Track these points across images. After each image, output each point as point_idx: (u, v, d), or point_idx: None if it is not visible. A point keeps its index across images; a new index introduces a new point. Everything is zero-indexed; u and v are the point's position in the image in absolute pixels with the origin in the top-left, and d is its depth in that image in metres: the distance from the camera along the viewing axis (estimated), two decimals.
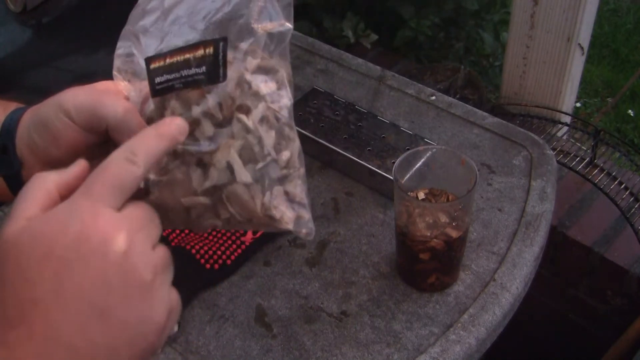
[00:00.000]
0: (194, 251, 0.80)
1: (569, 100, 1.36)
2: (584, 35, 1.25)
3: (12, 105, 0.50)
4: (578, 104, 2.17)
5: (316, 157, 0.95)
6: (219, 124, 0.44)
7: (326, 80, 1.09)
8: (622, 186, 1.18)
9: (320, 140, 0.93)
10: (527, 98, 1.37)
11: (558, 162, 1.03)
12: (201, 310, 0.79)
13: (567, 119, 1.36)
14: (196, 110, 0.44)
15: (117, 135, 0.45)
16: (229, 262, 0.81)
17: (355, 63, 1.13)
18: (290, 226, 0.45)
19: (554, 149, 1.24)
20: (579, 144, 1.30)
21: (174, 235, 0.83)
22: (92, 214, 0.36)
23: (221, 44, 0.44)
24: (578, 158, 1.24)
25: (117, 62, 0.48)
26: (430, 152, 0.76)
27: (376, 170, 0.88)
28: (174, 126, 0.42)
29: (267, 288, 0.81)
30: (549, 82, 1.32)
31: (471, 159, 0.73)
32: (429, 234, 0.73)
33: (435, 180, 0.77)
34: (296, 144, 0.46)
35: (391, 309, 0.77)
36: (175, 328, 0.73)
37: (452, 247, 0.74)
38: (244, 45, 0.45)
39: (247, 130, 0.44)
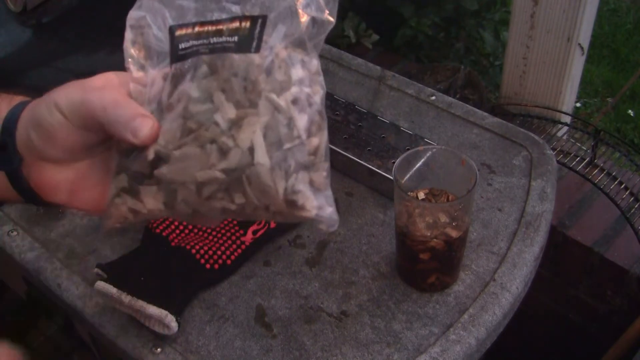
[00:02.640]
0: (194, 251, 0.80)
1: (569, 100, 1.36)
2: (584, 35, 1.25)
3: (16, 100, 0.48)
4: (578, 104, 2.17)
5: None
6: (242, 107, 0.41)
7: (326, 80, 1.09)
8: (622, 186, 1.18)
9: None
10: (527, 98, 1.37)
11: (558, 162, 1.03)
12: (201, 310, 0.79)
13: (567, 119, 1.36)
14: (219, 97, 0.41)
15: (111, 129, 0.43)
16: (229, 262, 0.81)
17: (355, 63, 1.13)
18: (312, 214, 0.43)
19: (554, 149, 1.24)
20: (579, 144, 1.30)
21: (174, 235, 0.83)
22: None
23: (259, 19, 0.43)
24: (578, 158, 1.24)
25: (130, 34, 0.46)
26: (430, 152, 0.76)
27: (376, 170, 0.88)
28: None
29: (267, 288, 0.81)
30: (549, 82, 1.32)
31: (471, 159, 0.73)
32: (429, 234, 0.73)
33: (435, 180, 0.77)
34: (325, 134, 0.44)
35: (391, 309, 0.77)
36: (175, 328, 0.73)
37: (452, 247, 0.74)
38: (284, 27, 0.43)
39: (276, 109, 0.41)
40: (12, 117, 0.46)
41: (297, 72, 0.43)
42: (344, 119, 0.97)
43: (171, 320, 0.73)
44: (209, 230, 0.84)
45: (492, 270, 0.80)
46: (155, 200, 0.43)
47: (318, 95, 0.44)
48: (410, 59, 1.66)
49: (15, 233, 0.88)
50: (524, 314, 0.85)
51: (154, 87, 0.44)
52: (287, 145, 0.41)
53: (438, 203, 0.76)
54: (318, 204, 0.43)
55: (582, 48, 1.26)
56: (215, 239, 0.83)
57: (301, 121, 0.42)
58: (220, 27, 0.43)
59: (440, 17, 1.66)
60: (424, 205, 0.74)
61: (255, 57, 0.42)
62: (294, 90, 0.42)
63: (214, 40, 0.43)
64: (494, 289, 0.78)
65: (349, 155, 0.91)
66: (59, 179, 0.46)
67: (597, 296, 1.21)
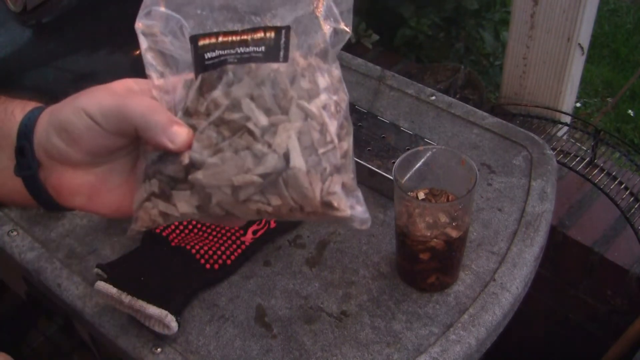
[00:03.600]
0: (194, 251, 0.80)
1: (569, 100, 1.36)
2: (584, 35, 1.25)
3: (31, 105, 0.49)
4: (578, 104, 2.17)
5: None
6: (274, 114, 0.43)
7: None
8: (622, 186, 1.18)
9: None
10: (527, 98, 1.37)
11: (558, 162, 1.03)
12: (201, 310, 0.79)
13: (567, 119, 1.36)
14: (249, 105, 0.43)
15: (146, 135, 0.44)
16: (229, 262, 0.81)
17: (355, 63, 1.13)
18: (347, 213, 0.44)
19: (554, 149, 1.24)
20: (579, 144, 1.30)
21: (174, 235, 0.83)
22: None
23: (284, 30, 0.44)
24: (578, 158, 1.24)
25: (144, 42, 0.47)
26: (430, 152, 0.76)
27: (376, 170, 0.88)
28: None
29: (267, 288, 0.81)
30: (549, 82, 1.32)
31: (471, 159, 0.73)
32: (429, 234, 0.73)
33: (435, 180, 0.77)
34: (351, 138, 0.46)
35: (391, 309, 0.77)
36: (175, 328, 0.73)
37: (452, 247, 0.74)
38: (308, 38, 0.45)
39: (308, 115, 0.43)
40: (29, 122, 0.46)
41: (324, 80, 0.45)
42: None
43: (171, 320, 0.73)
44: (209, 231, 0.84)
45: (492, 270, 0.80)
46: (188, 204, 0.44)
47: (344, 102, 0.46)
48: (410, 59, 1.66)
49: (15, 233, 0.88)
50: (524, 314, 0.85)
51: (177, 95, 0.45)
52: (321, 150, 0.43)
53: (438, 203, 0.76)
54: (350, 204, 0.45)
55: (582, 48, 1.26)
56: (215, 239, 0.83)
57: (332, 126, 0.44)
58: (244, 37, 0.44)
59: (440, 17, 1.66)
60: (424, 205, 0.74)
61: (282, 66, 0.44)
62: (323, 97, 0.44)
63: (241, 50, 0.44)
64: (494, 289, 0.78)
65: None
66: (79, 182, 0.46)
67: (597, 296, 1.21)
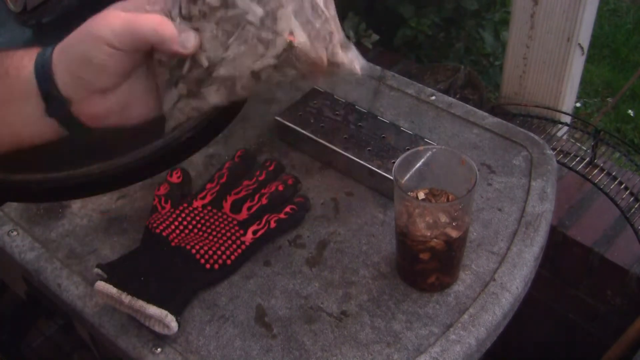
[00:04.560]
0: (194, 251, 0.80)
1: (569, 100, 1.36)
2: (584, 35, 1.25)
3: (34, 51, 0.51)
4: (578, 104, 2.17)
5: (316, 157, 0.95)
6: (267, 3, 0.49)
7: (326, 80, 1.09)
8: (622, 186, 1.18)
9: (320, 140, 0.93)
10: (527, 98, 1.37)
11: (558, 162, 1.03)
12: (201, 310, 0.79)
13: (567, 119, 1.36)
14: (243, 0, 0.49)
15: (162, 47, 0.49)
16: (229, 262, 0.81)
17: None
18: (352, 65, 0.53)
19: (554, 149, 1.24)
20: (579, 144, 1.30)
21: (174, 235, 0.83)
22: None
23: None
24: (578, 158, 1.24)
25: None
26: (430, 152, 0.76)
27: (376, 170, 0.88)
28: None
29: (267, 288, 0.81)
30: (549, 82, 1.32)
31: (471, 159, 0.73)
32: (429, 234, 0.73)
33: (435, 180, 0.77)
34: (333, 3, 0.53)
35: (391, 309, 0.77)
36: (175, 328, 0.73)
37: (452, 247, 0.74)
38: None
39: None
40: (45, 65, 0.49)
41: None
42: (344, 119, 0.97)
43: (171, 320, 0.73)
44: (208, 231, 0.84)
45: (492, 270, 0.80)
46: (217, 95, 0.51)
47: None
48: (410, 59, 1.66)
49: (15, 233, 0.88)
50: (524, 314, 0.85)
51: (168, 2, 0.50)
52: (317, 23, 0.50)
53: (438, 203, 0.76)
54: (350, 57, 0.53)
55: (582, 48, 1.26)
56: (215, 239, 0.83)
57: (319, 1, 0.51)
58: None
59: (440, 17, 1.66)
60: (424, 205, 0.74)
61: None
62: None
63: None
64: (494, 289, 0.78)
65: (349, 155, 0.91)
66: (110, 104, 0.50)
67: (597, 296, 1.21)
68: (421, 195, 0.77)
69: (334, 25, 0.52)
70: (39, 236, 0.88)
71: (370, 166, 0.89)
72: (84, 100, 0.49)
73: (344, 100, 1.00)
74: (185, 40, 0.49)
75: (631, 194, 1.16)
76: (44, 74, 0.49)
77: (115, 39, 0.47)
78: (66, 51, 0.49)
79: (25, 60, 0.50)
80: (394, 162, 0.76)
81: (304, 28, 0.49)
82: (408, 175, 0.76)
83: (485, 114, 1.01)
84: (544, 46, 1.28)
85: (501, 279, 0.79)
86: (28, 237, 0.88)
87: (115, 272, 0.77)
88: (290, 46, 0.49)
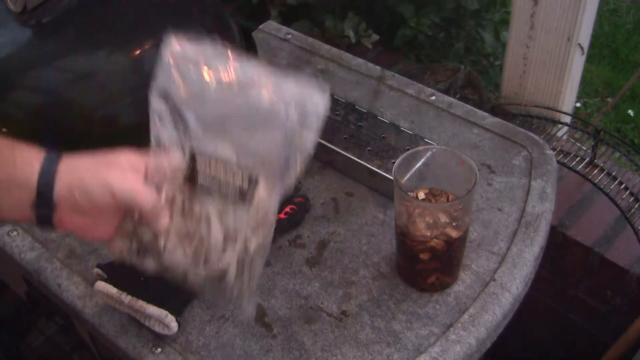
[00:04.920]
0: None
1: (569, 100, 1.36)
2: (584, 35, 1.25)
3: (42, 152, 0.56)
4: (578, 104, 2.17)
5: (316, 157, 0.95)
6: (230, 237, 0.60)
7: (326, 80, 1.09)
8: (622, 186, 1.18)
9: (320, 140, 0.92)
10: (527, 98, 1.37)
11: (558, 162, 1.03)
12: (201, 310, 0.79)
13: (567, 119, 1.36)
14: (216, 224, 0.60)
15: (145, 217, 0.58)
16: None
17: (355, 63, 1.13)
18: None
19: (554, 149, 1.24)
20: (579, 144, 1.30)
21: None
22: None
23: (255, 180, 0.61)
24: (578, 158, 1.24)
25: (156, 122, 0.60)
26: (430, 152, 0.76)
27: (376, 170, 0.88)
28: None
29: (267, 288, 0.81)
30: (549, 82, 1.32)
31: (471, 159, 0.73)
32: (429, 234, 0.73)
33: (435, 180, 0.77)
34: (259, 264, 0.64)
35: (391, 309, 0.77)
36: (175, 328, 0.73)
37: (452, 247, 0.74)
38: (277, 189, 0.62)
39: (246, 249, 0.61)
40: (50, 172, 0.55)
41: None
42: (344, 119, 0.97)
43: (171, 320, 0.72)
44: None
45: (492, 270, 0.80)
46: (151, 266, 0.61)
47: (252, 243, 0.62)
48: (410, 59, 1.66)
49: (15, 233, 0.88)
50: (524, 314, 0.85)
51: (170, 186, 0.59)
52: (246, 273, 0.62)
53: (438, 203, 0.76)
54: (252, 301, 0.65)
55: (582, 48, 1.26)
56: None
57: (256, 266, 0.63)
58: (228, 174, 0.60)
59: (440, 17, 1.66)
60: (424, 205, 0.74)
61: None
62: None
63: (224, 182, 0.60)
64: (494, 289, 0.78)
65: (349, 155, 0.91)
66: (83, 224, 0.58)
67: (597, 296, 1.20)
68: (421, 195, 0.77)
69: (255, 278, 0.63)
70: (39, 236, 0.88)
71: (370, 166, 0.89)
72: (65, 211, 0.56)
73: (344, 100, 1.00)
74: (163, 222, 0.59)
75: (631, 194, 1.16)
76: (47, 178, 0.55)
77: (119, 194, 0.55)
78: (75, 174, 0.56)
79: (34, 160, 0.56)
80: (394, 162, 0.76)
81: (237, 269, 0.61)
82: (408, 175, 0.76)
83: (485, 114, 1.01)
84: (544, 46, 1.28)
85: (501, 279, 0.79)
86: (28, 237, 0.88)
87: (115, 272, 0.77)
88: (221, 276, 0.60)
